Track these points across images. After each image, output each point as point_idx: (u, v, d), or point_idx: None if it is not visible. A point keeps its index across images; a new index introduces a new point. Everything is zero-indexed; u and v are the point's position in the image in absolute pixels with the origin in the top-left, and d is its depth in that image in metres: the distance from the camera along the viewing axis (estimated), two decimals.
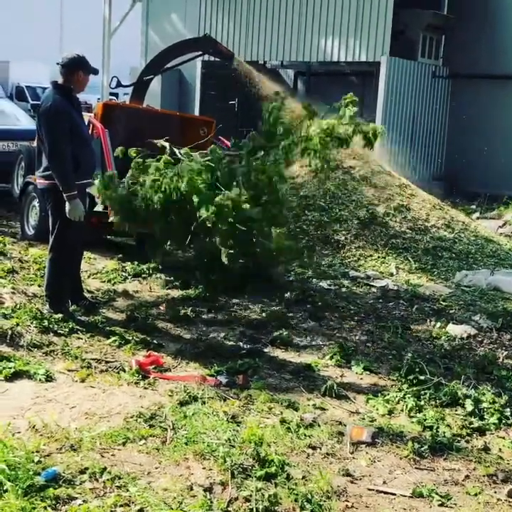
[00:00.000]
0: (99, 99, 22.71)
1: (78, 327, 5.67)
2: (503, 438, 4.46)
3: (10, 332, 5.25)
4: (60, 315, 5.68)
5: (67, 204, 5.59)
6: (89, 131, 7.88)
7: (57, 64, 5.71)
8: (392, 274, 8.12)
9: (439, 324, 6.55)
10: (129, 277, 7.37)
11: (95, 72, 5.80)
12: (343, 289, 7.52)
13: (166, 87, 17.86)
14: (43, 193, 6.03)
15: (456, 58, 15.71)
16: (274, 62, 16.81)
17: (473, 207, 13.71)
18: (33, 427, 4.02)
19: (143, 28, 19.44)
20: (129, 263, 7.69)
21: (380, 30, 14.35)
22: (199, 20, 16.95)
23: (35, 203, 8.20)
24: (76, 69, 5.66)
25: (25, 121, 11.83)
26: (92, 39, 24.67)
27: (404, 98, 14.94)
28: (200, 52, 10.12)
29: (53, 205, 5.77)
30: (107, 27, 21.17)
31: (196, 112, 16.65)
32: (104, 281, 7.17)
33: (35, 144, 6.26)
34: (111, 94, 21.30)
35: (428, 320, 6.72)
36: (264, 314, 6.58)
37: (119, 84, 9.33)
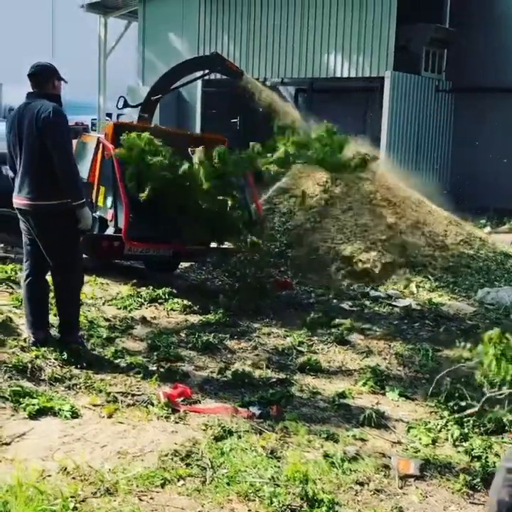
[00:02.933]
0: (94, 119, 22.60)
1: (98, 357, 5.44)
2: None
3: (30, 366, 5.01)
4: (77, 345, 5.43)
5: (79, 212, 5.27)
6: (100, 152, 7.71)
7: (29, 75, 5.36)
8: (413, 293, 7.93)
9: (468, 345, 6.33)
10: (145, 303, 7.12)
11: (65, 80, 5.50)
12: (365, 310, 7.32)
13: (163, 106, 17.68)
14: (37, 217, 5.36)
15: (459, 72, 15.63)
16: (274, 79, 16.69)
17: (483, 221, 13.55)
18: (65, 470, 3.78)
19: (139, 48, 19.31)
20: (144, 288, 7.45)
21: (383, 45, 14.25)
22: (198, 38, 16.83)
23: None
24: (51, 76, 5.39)
25: None
26: (86, 60, 24.60)
27: (408, 112, 14.83)
28: (208, 71, 9.96)
29: (55, 229, 5.35)
30: (103, 47, 21.15)
31: (197, 131, 16.49)
32: (120, 308, 6.90)
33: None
34: (107, 114, 21.19)
35: (456, 340, 6.50)
36: (288, 339, 6.36)
37: (126, 105, 9.15)
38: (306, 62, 15.32)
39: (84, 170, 7.99)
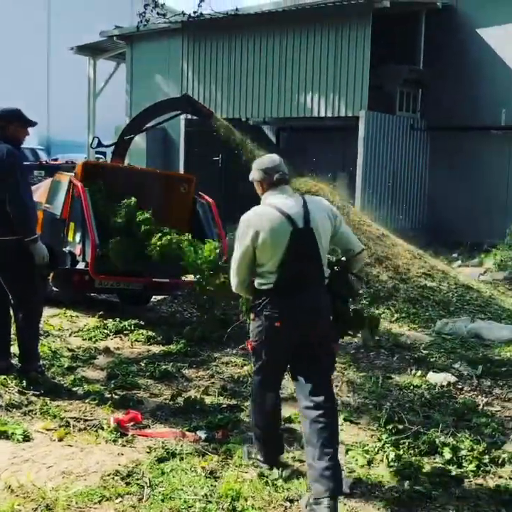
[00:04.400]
0: (86, 158, 23.03)
1: (57, 385, 5.68)
2: (481, 485, 4.45)
3: None
4: (36, 373, 5.68)
5: (32, 248, 5.57)
6: (71, 191, 8.02)
7: None
8: None
9: (419, 372, 6.58)
10: (111, 334, 7.39)
11: (32, 124, 5.77)
12: None
13: (150, 146, 18.15)
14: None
15: (434, 111, 16.06)
16: (256, 119, 17.12)
17: (455, 255, 13.85)
18: (9, 488, 4.00)
19: (127, 88, 19.84)
20: (111, 320, 7.71)
21: (358, 86, 14.68)
22: (181, 79, 17.31)
23: None
24: (10, 122, 5.66)
25: None
26: (79, 100, 25.14)
27: (383, 151, 15.21)
28: (180, 112, 10.34)
29: (13, 264, 5.64)
30: (92, 88, 21.70)
31: (181, 170, 16.88)
32: (86, 339, 7.19)
33: None
34: (98, 153, 21.55)
35: (409, 369, 6.76)
36: (245, 367, 6.59)
37: (100, 144, 9.48)
38: (285, 103, 15.75)
39: (57, 206, 8.32)
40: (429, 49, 15.87)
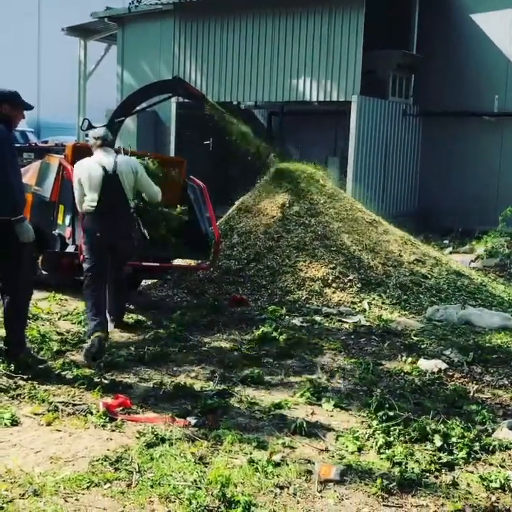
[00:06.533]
0: (76, 140, 22.86)
1: (45, 369, 5.63)
2: (472, 472, 4.44)
3: None
4: (25, 357, 5.61)
5: (18, 227, 5.48)
6: (60, 174, 7.93)
7: None
8: (364, 310, 8.14)
9: (410, 359, 6.57)
10: None
11: (28, 107, 5.72)
12: (316, 326, 7.54)
13: (141, 128, 18.01)
14: None
15: (426, 96, 16.00)
16: (248, 102, 17.01)
17: (446, 242, 13.85)
18: None
19: (118, 70, 19.65)
20: None
21: (350, 71, 14.59)
22: (173, 61, 17.16)
23: None
24: (1, 102, 5.60)
25: None
26: (69, 82, 24.94)
27: (375, 136, 15.14)
28: (171, 94, 10.24)
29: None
30: (83, 70, 21.50)
31: (172, 153, 16.76)
32: (75, 323, 7.14)
33: None
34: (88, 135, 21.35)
35: (399, 355, 6.74)
36: (235, 352, 6.56)
37: (90, 126, 9.35)
38: (277, 87, 15.64)
39: (47, 189, 8.24)
40: (422, 33, 15.78)
